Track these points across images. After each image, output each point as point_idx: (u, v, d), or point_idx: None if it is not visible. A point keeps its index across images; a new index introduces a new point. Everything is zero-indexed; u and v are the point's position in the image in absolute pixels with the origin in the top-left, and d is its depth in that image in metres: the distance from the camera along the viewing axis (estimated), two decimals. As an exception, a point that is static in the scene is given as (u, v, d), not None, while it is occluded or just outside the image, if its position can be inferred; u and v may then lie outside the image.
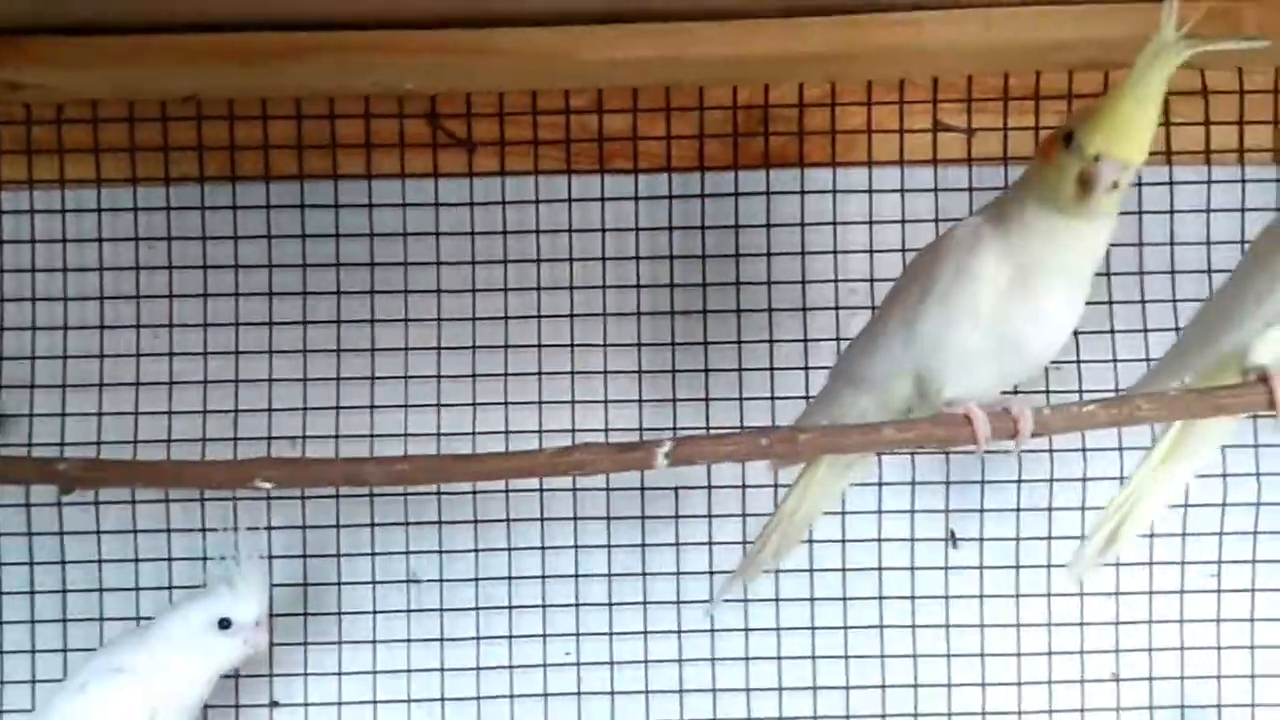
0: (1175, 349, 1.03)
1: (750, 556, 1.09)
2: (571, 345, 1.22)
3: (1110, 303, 1.20)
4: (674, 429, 1.21)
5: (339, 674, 1.21)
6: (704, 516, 1.22)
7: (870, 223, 1.22)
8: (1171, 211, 1.20)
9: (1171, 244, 1.21)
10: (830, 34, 1.12)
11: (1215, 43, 0.84)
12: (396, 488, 1.19)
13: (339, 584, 1.21)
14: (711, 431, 1.19)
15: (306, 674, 1.21)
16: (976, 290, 0.91)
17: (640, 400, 1.22)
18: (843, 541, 1.21)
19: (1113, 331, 1.20)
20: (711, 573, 1.21)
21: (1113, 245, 1.19)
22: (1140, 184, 1.20)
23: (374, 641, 1.21)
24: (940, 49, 1.13)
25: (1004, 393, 0.99)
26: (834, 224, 1.22)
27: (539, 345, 1.22)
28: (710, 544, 1.22)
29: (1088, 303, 1.17)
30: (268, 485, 0.89)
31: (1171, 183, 1.20)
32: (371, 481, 0.92)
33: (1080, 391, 1.19)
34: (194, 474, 0.97)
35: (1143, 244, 1.21)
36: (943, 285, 0.93)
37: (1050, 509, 1.20)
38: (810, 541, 1.20)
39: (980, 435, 0.92)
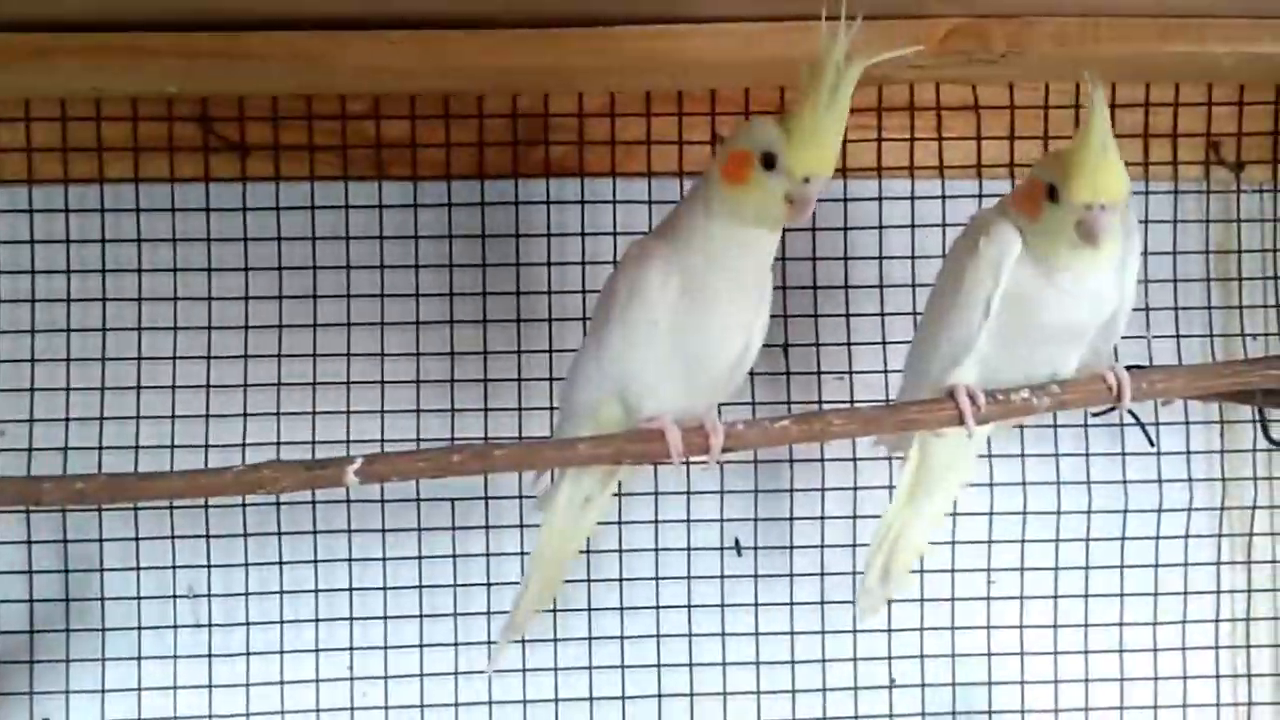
0: (905, 373, 1.04)
1: (516, 600, 1.08)
2: (348, 355, 1.20)
3: (882, 315, 1.22)
4: (451, 439, 1.20)
5: (102, 691, 1.18)
6: (481, 528, 1.21)
7: (650, 232, 1.21)
8: (944, 225, 1.22)
9: (945, 256, 1.22)
10: (602, 45, 1.11)
11: (881, 55, 0.86)
12: (163, 500, 1.16)
13: (101, 599, 1.18)
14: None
15: (68, 691, 1.18)
16: (648, 306, 0.92)
17: (418, 410, 1.21)
18: (619, 551, 1.21)
19: (884, 344, 1.22)
20: (490, 584, 1.21)
21: (888, 258, 1.23)
22: (913, 198, 1.22)
23: (139, 658, 1.18)
24: (713, 62, 1.13)
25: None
26: (614, 234, 1.22)
27: (313, 355, 1.20)
28: (487, 555, 1.21)
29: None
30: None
31: (944, 197, 1.22)
32: (47, 501, 0.89)
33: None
34: None
35: (915, 257, 1.22)
36: (620, 304, 0.93)
37: (823, 518, 1.22)
38: (587, 552, 1.19)
39: (673, 449, 0.92)
